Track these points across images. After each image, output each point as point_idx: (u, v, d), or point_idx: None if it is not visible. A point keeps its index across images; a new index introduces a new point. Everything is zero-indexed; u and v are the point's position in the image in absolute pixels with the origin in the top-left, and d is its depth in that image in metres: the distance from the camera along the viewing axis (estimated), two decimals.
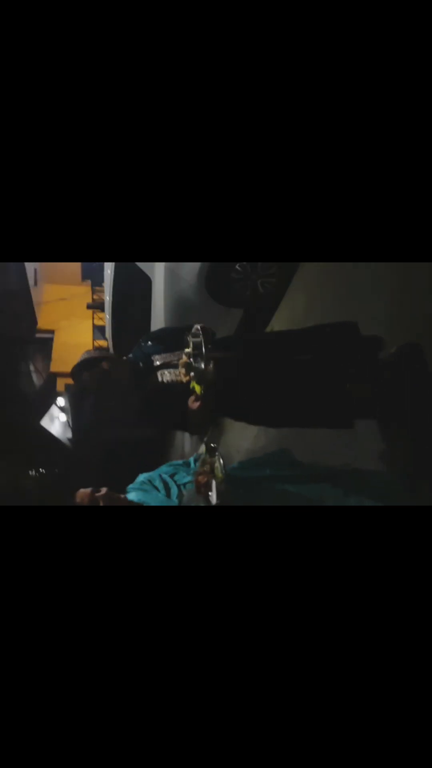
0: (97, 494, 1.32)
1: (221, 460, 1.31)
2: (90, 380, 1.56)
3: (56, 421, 10.59)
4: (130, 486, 1.48)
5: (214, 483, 1.25)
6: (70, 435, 10.14)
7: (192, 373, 1.39)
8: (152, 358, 1.58)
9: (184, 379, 1.45)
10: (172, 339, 1.60)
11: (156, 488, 1.42)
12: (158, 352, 1.58)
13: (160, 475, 1.49)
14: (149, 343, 1.63)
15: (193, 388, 1.39)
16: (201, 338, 1.39)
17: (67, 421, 10.19)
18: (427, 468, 1.48)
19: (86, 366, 1.59)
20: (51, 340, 10.01)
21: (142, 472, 1.53)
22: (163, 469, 1.53)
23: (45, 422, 10.39)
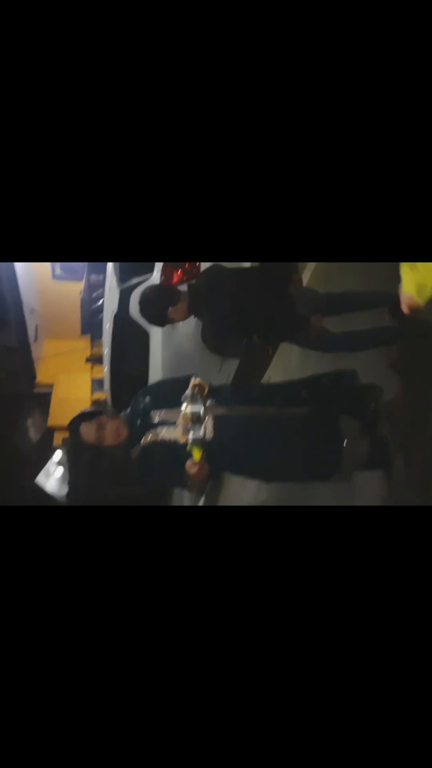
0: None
1: None
2: (87, 432, 1.55)
3: (52, 478, 10.35)
4: None
5: None
6: (65, 491, 9.87)
7: (191, 438, 1.39)
8: (150, 414, 1.57)
9: (182, 440, 1.45)
10: (169, 394, 1.60)
11: None
12: (156, 408, 1.58)
13: None
14: (147, 398, 1.63)
15: (191, 452, 1.39)
16: (200, 403, 1.40)
17: (63, 476, 9.97)
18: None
19: (84, 418, 1.58)
20: (49, 394, 10.02)
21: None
22: None
23: (40, 479, 10.14)
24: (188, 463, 1.42)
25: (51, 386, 9.80)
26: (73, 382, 9.45)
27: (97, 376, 8.81)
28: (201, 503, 4.88)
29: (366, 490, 1.76)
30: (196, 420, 1.40)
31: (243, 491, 3.53)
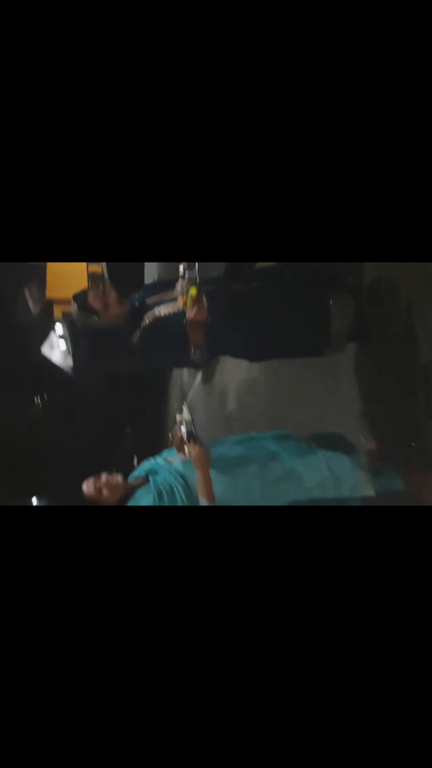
0: (99, 482, 1.40)
1: (186, 410, 1.44)
2: (94, 298, 1.62)
3: (56, 350, 10.56)
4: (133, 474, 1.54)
5: (184, 429, 1.37)
6: (71, 363, 10.19)
7: (186, 278, 1.43)
8: (146, 300, 1.62)
9: (180, 304, 1.50)
10: (164, 284, 1.64)
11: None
12: (152, 294, 1.63)
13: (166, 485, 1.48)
14: (142, 291, 1.68)
15: (190, 297, 1.44)
16: (194, 267, 1.44)
17: (68, 348, 10.16)
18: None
19: (89, 290, 1.64)
20: (44, 266, 9.68)
21: (142, 410, 1.60)
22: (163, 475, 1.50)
23: (45, 350, 10.36)
24: (188, 310, 1.48)
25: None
26: None
27: None
28: (198, 379, 5.14)
29: (354, 373, 1.89)
30: (191, 266, 1.45)
31: (237, 368, 3.73)
